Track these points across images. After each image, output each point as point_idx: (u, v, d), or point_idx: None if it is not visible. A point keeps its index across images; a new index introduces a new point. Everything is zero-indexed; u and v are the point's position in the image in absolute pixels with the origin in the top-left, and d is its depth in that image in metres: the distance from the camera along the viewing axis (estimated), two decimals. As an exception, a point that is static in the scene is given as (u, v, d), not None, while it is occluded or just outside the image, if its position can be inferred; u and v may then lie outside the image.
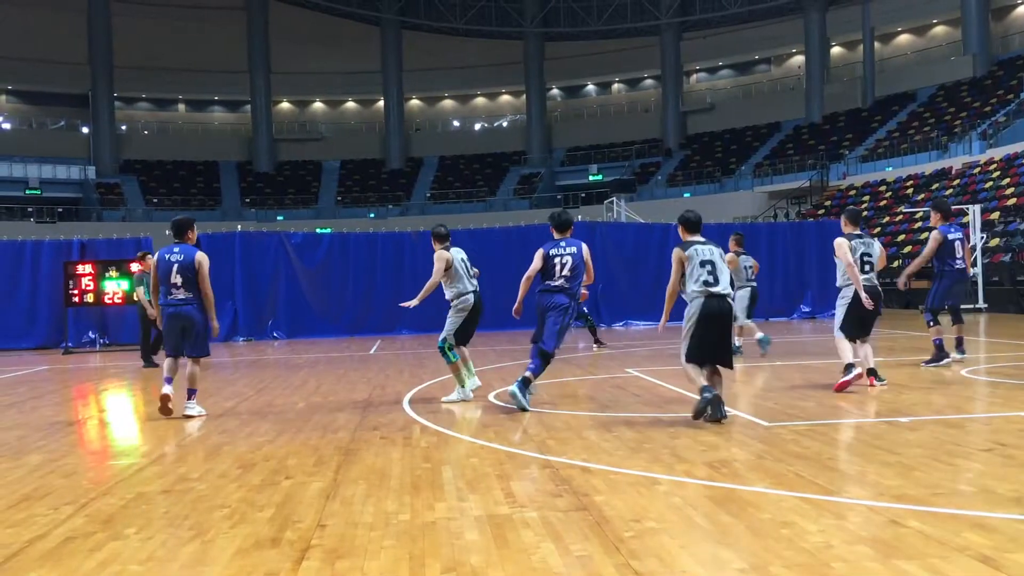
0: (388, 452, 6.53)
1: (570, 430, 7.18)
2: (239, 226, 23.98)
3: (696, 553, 3.95)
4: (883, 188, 37.14)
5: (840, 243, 9.16)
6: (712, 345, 7.39)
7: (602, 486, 5.25)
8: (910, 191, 34.74)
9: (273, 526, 4.62)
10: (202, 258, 8.66)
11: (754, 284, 13.35)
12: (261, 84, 56.17)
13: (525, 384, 8.28)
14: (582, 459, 6.03)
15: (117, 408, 10.32)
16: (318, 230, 29.30)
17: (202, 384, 9.36)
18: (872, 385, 8.84)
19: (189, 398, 8.73)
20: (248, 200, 52.40)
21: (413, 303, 9.60)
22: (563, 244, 8.97)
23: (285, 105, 60.02)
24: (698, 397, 7.20)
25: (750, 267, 13.32)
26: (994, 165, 31.87)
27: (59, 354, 18.29)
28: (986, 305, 22.14)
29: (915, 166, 37.01)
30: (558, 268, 8.84)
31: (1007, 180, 29.71)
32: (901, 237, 30.83)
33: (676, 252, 7.77)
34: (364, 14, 57.34)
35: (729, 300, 7.55)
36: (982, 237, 23.12)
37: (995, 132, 35.22)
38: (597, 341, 15.60)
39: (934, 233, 10.96)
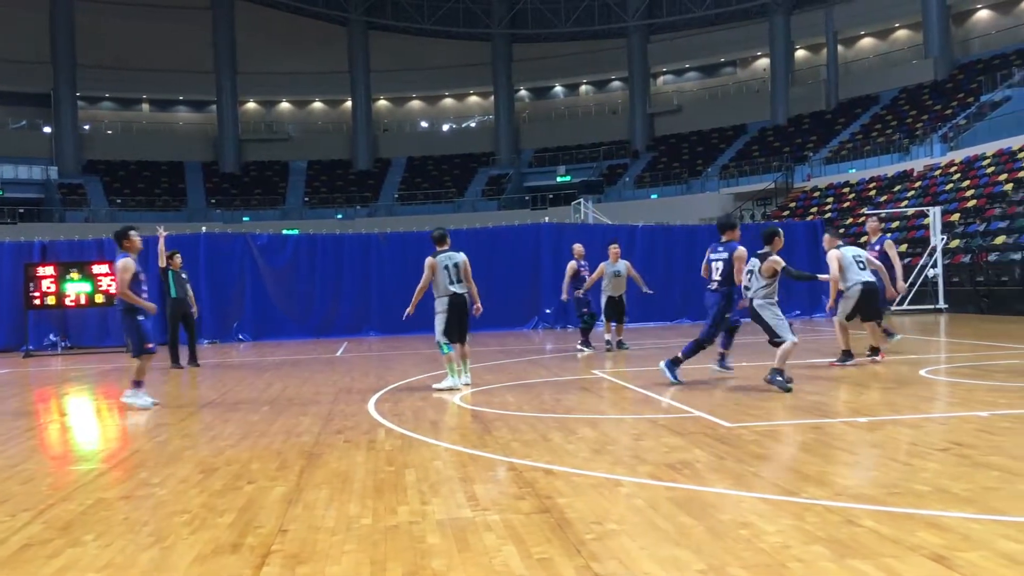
0: (352, 455, 6.52)
1: (535, 432, 7.21)
2: (204, 227, 23.78)
3: (656, 555, 3.99)
4: (847, 190, 37.59)
5: (831, 258, 11.09)
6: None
7: (565, 488, 5.27)
8: (873, 193, 35.19)
9: (234, 532, 4.60)
10: (119, 264, 9.53)
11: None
12: (227, 84, 55.70)
13: (675, 363, 10.08)
14: (546, 461, 6.05)
15: (78, 412, 10.19)
16: (284, 231, 29.08)
17: (166, 387, 9.27)
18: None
19: (130, 387, 9.45)
20: (214, 201, 51.94)
21: (408, 310, 10.67)
22: (719, 248, 10.37)
23: (251, 105, 59.56)
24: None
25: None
26: (955, 167, 32.38)
27: (19, 357, 18.02)
28: (947, 306, 22.50)
29: (878, 168, 37.51)
30: (712, 270, 10.40)
31: (967, 182, 30.20)
32: (864, 238, 31.18)
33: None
34: (331, 14, 57.08)
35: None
36: (942, 239, 23.47)
37: (956, 135, 35.78)
38: (585, 343, 15.46)
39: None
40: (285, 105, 60.74)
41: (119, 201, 50.13)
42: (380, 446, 6.88)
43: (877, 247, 12.25)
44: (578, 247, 15.90)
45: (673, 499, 4.94)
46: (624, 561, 3.91)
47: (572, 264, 15.60)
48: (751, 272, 9.40)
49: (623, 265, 15.53)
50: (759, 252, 9.50)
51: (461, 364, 10.23)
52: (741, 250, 10.01)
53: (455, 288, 10.17)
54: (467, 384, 10.29)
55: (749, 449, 6.20)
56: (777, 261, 9.21)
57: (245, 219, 48.00)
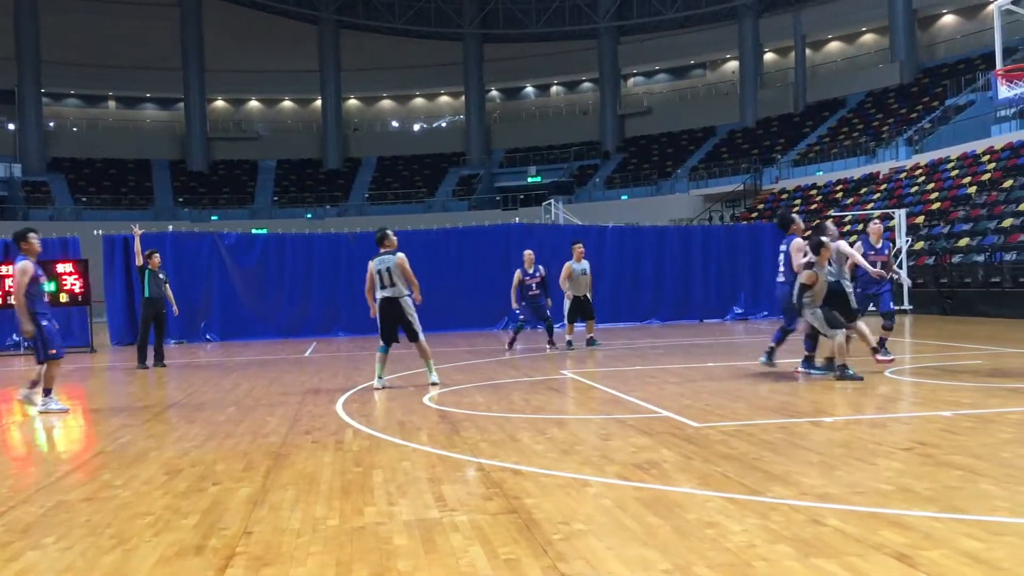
0: (319, 456, 6.47)
1: (503, 433, 7.20)
2: (171, 226, 23.56)
3: (623, 554, 3.99)
4: (814, 192, 37.96)
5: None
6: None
7: (533, 489, 5.27)
8: (840, 195, 35.56)
9: (198, 533, 4.55)
10: (17, 267, 9.21)
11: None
12: (195, 81, 55.17)
13: (770, 354, 11.03)
14: (514, 462, 6.05)
15: (40, 413, 10.02)
16: (253, 230, 28.91)
17: (131, 387, 9.15)
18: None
19: (41, 394, 9.33)
20: (181, 200, 51.41)
21: (372, 313, 10.75)
22: (782, 243, 10.81)
23: (220, 103, 59.05)
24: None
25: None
26: (920, 170, 32.79)
27: (-19, 357, 17.73)
28: (911, 307, 22.78)
29: (844, 171, 37.91)
30: (779, 263, 10.89)
31: (932, 185, 30.60)
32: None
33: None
34: (301, 12, 56.74)
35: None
36: (907, 241, 23.76)
37: (921, 138, 36.25)
38: (550, 342, 15.67)
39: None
40: (254, 103, 60.28)
41: (84, 199, 49.48)
42: (348, 447, 6.84)
43: (885, 251, 12.23)
44: (528, 254, 15.90)
45: (640, 499, 4.95)
46: (591, 561, 3.92)
47: (518, 272, 15.65)
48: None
49: (587, 264, 15.69)
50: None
51: (379, 366, 10.49)
52: (796, 241, 10.52)
53: (383, 292, 10.42)
54: (434, 384, 10.47)
55: (716, 449, 6.24)
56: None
57: (213, 218, 47.59)
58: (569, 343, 15.42)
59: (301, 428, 7.77)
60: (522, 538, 4.28)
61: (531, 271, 15.60)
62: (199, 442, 7.22)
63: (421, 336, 10.62)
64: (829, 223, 10.79)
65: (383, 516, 4.77)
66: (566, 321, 15.75)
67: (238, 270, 20.88)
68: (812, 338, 10.45)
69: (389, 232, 10.76)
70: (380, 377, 10.46)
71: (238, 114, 59.72)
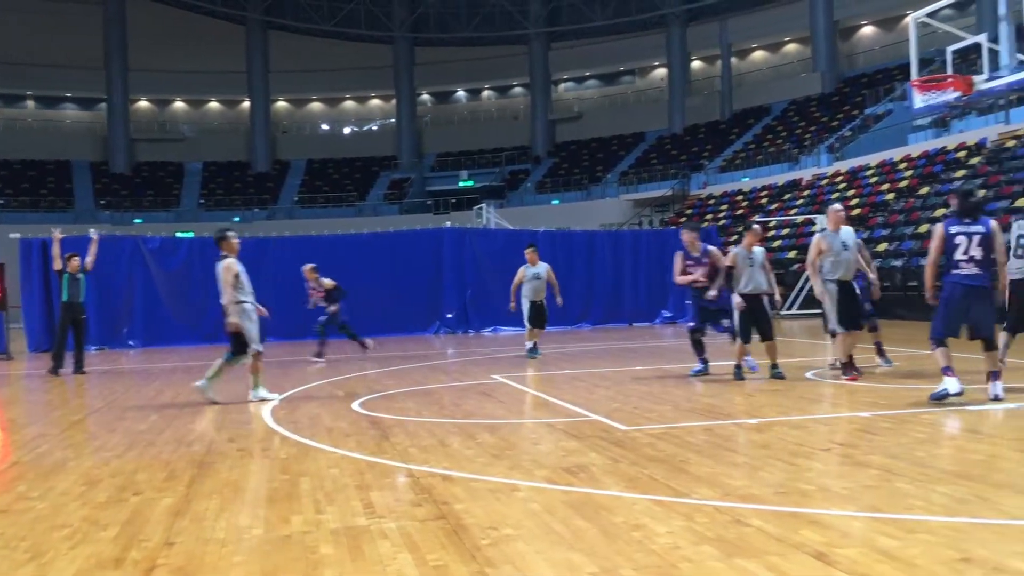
0: (245, 464, 6.37)
1: (433, 438, 7.18)
2: (92, 229, 22.92)
3: (551, 558, 4.02)
4: (740, 198, 38.71)
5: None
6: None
7: (462, 494, 5.27)
8: (764, 201, 36.33)
9: (117, 545, 4.43)
10: None
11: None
12: (117, 81, 53.80)
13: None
14: (444, 467, 6.03)
15: (-48, 423, 9.68)
16: (178, 234, 28.30)
17: (48, 395, 8.89)
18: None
19: None
20: (103, 202, 50.06)
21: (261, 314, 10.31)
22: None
23: (143, 104, 57.68)
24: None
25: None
26: (840, 177, 33.70)
27: None
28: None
29: (769, 177, 38.75)
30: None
31: (852, 191, 31.47)
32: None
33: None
34: (228, 13, 55.79)
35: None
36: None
37: (841, 146, 37.27)
38: (318, 354, 14.39)
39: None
40: (179, 104, 59.05)
41: (1, 201, 47.84)
42: (275, 454, 6.74)
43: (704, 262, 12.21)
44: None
45: (568, 503, 4.98)
46: (518, 565, 3.93)
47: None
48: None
49: (543, 268, 15.03)
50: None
51: (255, 377, 10.01)
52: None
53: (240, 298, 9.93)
54: (263, 400, 9.79)
55: (644, 452, 6.32)
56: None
57: (137, 221, 46.44)
58: (534, 349, 14.54)
59: (226, 436, 7.63)
60: (451, 544, 4.28)
61: (312, 283, 14.81)
62: (120, 451, 7.04)
63: (250, 349, 9.85)
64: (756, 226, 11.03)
65: (310, 524, 4.72)
66: (527, 326, 14.82)
67: (162, 274, 20.40)
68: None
69: (229, 234, 10.04)
70: (255, 388, 9.85)
71: (163, 115, 58.43)
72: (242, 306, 9.87)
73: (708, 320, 10.94)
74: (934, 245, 8.06)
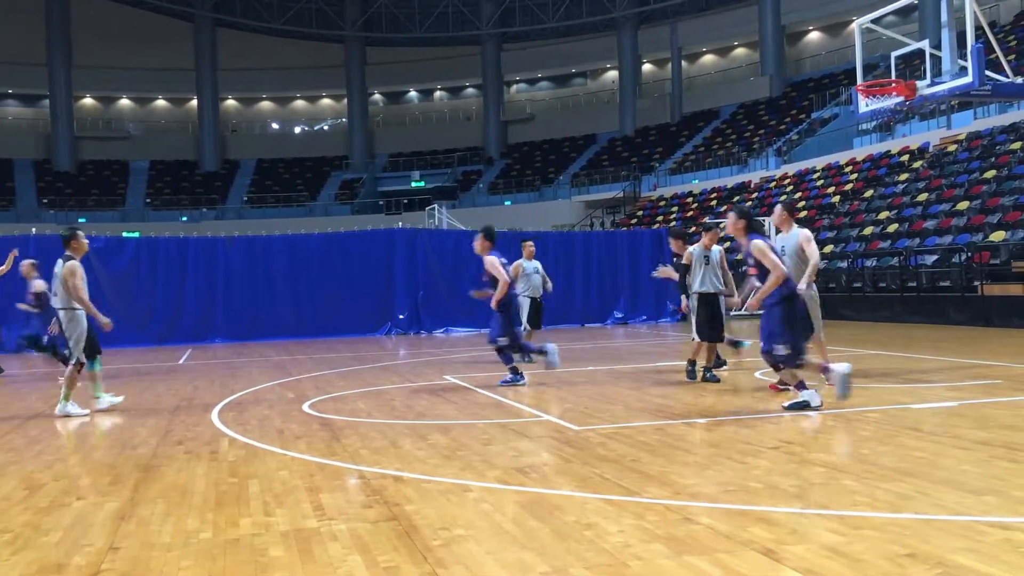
0: (192, 467, 6.27)
1: (385, 439, 7.14)
2: (34, 229, 22.42)
3: (502, 558, 4.02)
4: (690, 199, 39.12)
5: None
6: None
7: (414, 495, 5.25)
8: (714, 203, 36.75)
9: (60, 551, 4.34)
10: None
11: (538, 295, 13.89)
12: (60, 77, 52.69)
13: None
14: (395, 468, 6.00)
15: None
16: (124, 233, 27.80)
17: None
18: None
19: None
20: (46, 201, 49.00)
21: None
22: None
23: (88, 101, 56.58)
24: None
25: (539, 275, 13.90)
26: (788, 180, 34.25)
27: None
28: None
29: (719, 179, 39.24)
30: None
31: (799, 194, 31.98)
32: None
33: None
34: (176, 9, 54.98)
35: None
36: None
37: (789, 149, 37.88)
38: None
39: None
40: (125, 102, 58.02)
41: (-61, 200, 46.62)
42: (223, 457, 6.65)
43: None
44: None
45: (520, 503, 4.99)
46: (470, 566, 3.92)
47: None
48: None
49: (539, 263, 14.27)
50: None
51: (94, 384, 9.44)
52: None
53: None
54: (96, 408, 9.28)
55: (595, 452, 6.35)
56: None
57: (81, 220, 45.46)
58: (541, 349, 14.26)
59: (173, 438, 7.51)
60: (402, 545, 4.26)
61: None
62: (63, 455, 6.89)
63: (72, 360, 9.09)
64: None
65: (259, 527, 4.66)
66: (527, 326, 13.74)
67: (107, 275, 19.99)
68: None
69: (80, 233, 9.39)
70: (65, 400, 9.03)
71: (108, 112, 57.36)
72: (74, 312, 9.15)
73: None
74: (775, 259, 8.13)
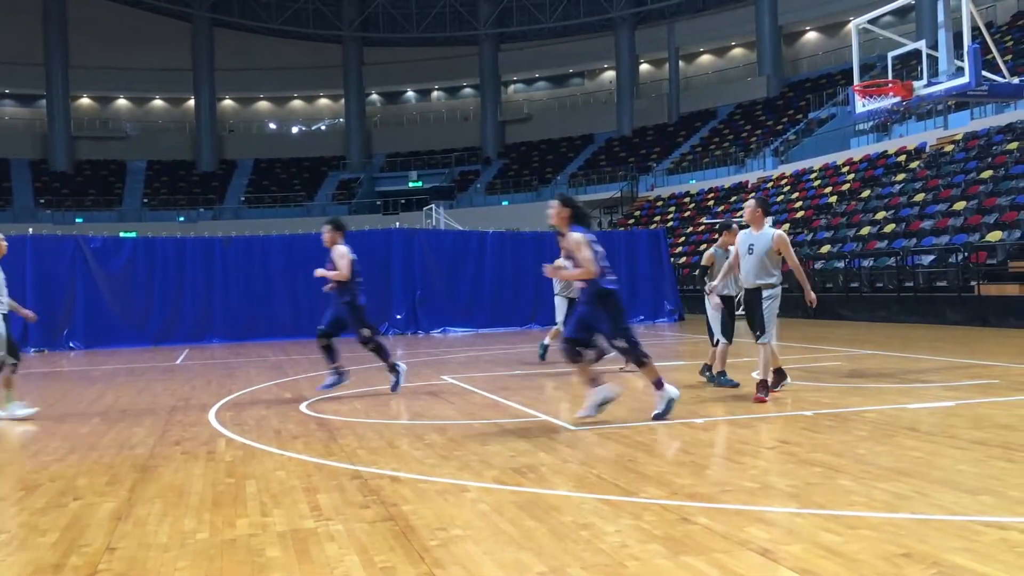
0: (189, 468, 6.27)
1: (382, 439, 7.14)
2: (31, 229, 22.39)
3: (499, 559, 4.02)
4: (687, 200, 39.13)
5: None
6: None
7: (411, 495, 5.25)
8: (711, 203, 36.78)
9: (57, 551, 4.33)
10: None
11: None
12: (58, 77, 52.64)
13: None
14: (392, 469, 6.00)
15: None
16: (122, 234, 27.77)
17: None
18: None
19: None
20: (43, 201, 48.94)
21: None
22: None
23: (85, 101, 56.52)
24: None
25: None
26: (785, 180, 34.26)
27: None
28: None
29: (716, 179, 39.25)
30: None
31: (796, 194, 32.01)
32: (704, 246, 32.55)
33: None
34: (173, 9, 54.94)
35: None
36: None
37: (786, 149, 37.91)
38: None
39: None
40: (122, 102, 57.96)
41: (-65, 199, 46.56)
42: (220, 457, 6.65)
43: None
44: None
45: (517, 503, 4.99)
46: (467, 566, 3.92)
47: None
48: None
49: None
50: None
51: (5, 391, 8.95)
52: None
53: None
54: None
55: (592, 452, 6.35)
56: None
57: (78, 220, 45.49)
58: (546, 348, 13.35)
59: (171, 439, 7.51)
60: (399, 545, 4.26)
61: None
62: (60, 455, 6.88)
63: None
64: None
65: (256, 528, 4.66)
66: (560, 327, 13.04)
67: (105, 275, 19.99)
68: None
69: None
70: (7, 403, 8.85)
71: (105, 112, 57.30)
72: None
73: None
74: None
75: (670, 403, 7.62)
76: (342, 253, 10.21)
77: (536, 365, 13.14)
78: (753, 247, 8.67)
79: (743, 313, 9.47)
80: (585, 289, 7.52)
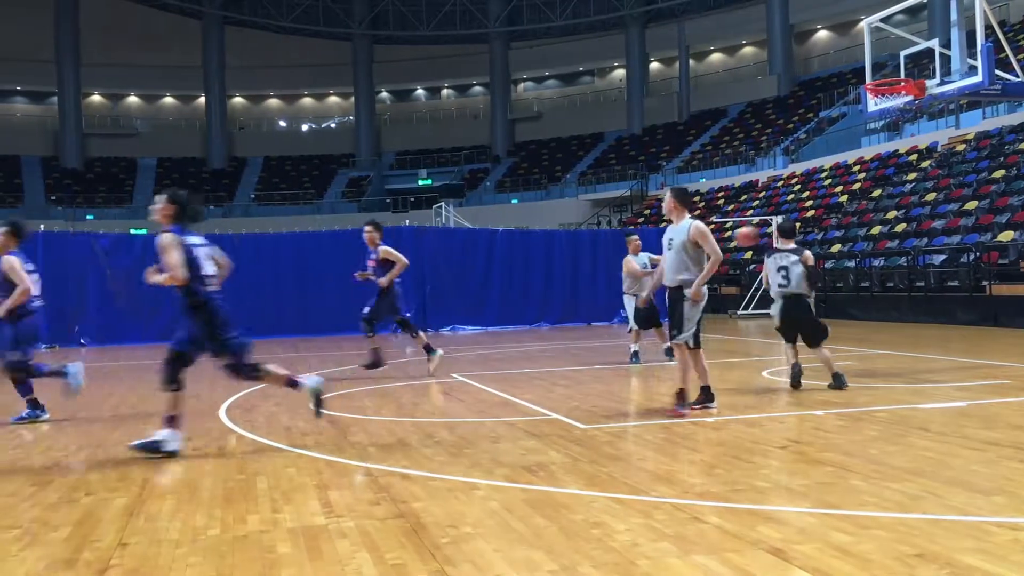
0: (200, 464, 6.29)
1: (392, 437, 7.14)
2: (42, 225, 22.48)
3: (510, 556, 4.01)
4: (697, 199, 39.03)
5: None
6: None
7: (421, 493, 5.25)
8: (721, 202, 36.70)
9: (69, 547, 4.35)
10: None
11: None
12: (69, 75, 52.85)
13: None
14: (403, 466, 6.00)
15: None
16: (132, 231, 27.86)
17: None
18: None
19: None
20: (54, 198, 49.15)
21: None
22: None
23: (96, 98, 56.74)
24: None
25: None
26: (795, 179, 34.16)
27: None
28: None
29: (726, 178, 39.17)
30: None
31: (807, 193, 31.92)
32: (713, 245, 32.49)
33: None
34: (184, 6, 55.10)
35: None
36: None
37: (797, 148, 37.79)
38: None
39: None
40: (133, 99, 58.18)
41: (-53, 196, 46.80)
42: (231, 453, 6.66)
43: None
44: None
45: (528, 501, 4.99)
46: (478, 564, 3.92)
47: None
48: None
49: (646, 257, 13.12)
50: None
51: None
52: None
53: None
54: None
55: (603, 450, 6.34)
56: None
57: (89, 217, 45.68)
58: (635, 354, 12.58)
59: (181, 435, 7.51)
60: (410, 543, 4.26)
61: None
62: (71, 451, 6.91)
63: None
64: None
65: (267, 524, 4.67)
66: (633, 326, 12.74)
67: (114, 272, 20.05)
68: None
69: None
70: None
71: (116, 109, 57.53)
72: None
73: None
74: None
75: (316, 392, 6.92)
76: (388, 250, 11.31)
77: (542, 362, 13.13)
78: (672, 241, 8.02)
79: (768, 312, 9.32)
80: (179, 299, 6.78)
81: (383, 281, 11.51)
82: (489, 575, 3.79)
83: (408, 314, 12.15)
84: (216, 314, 6.89)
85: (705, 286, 7.90)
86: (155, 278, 6.92)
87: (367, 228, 11.89)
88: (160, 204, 6.84)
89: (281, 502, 5.12)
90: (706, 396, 8.02)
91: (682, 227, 7.93)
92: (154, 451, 6.50)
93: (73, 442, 7.34)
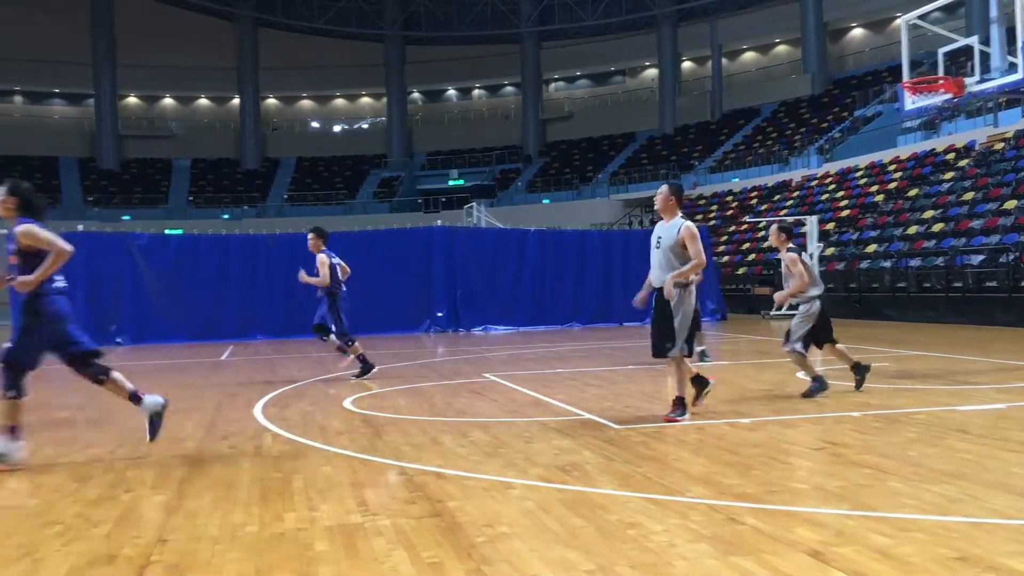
0: (237, 462, 6.35)
1: (426, 436, 7.17)
2: (80, 226, 22.80)
3: (546, 556, 4.02)
4: (730, 198, 38.81)
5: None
6: None
7: (456, 492, 5.26)
8: (754, 202, 36.43)
9: (110, 542, 4.41)
10: None
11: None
12: (106, 77, 53.61)
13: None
14: (437, 465, 6.03)
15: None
16: (167, 231, 28.19)
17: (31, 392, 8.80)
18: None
19: None
20: (91, 199, 49.87)
21: None
22: None
23: (132, 100, 57.49)
24: None
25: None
26: (830, 179, 33.82)
27: None
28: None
29: (759, 178, 38.87)
30: None
31: (841, 193, 31.59)
32: (746, 245, 32.29)
33: None
34: (218, 9, 55.67)
35: None
36: (819, 246, 24.45)
37: (831, 147, 37.41)
38: None
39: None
40: (168, 101, 58.87)
41: (-13, 197, 47.57)
42: (267, 452, 6.72)
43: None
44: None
45: (563, 500, 4.98)
46: (514, 563, 3.93)
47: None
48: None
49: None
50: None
51: None
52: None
53: None
54: None
55: (637, 450, 6.32)
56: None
57: (125, 218, 46.28)
58: (703, 352, 12.48)
59: (218, 433, 7.61)
60: (446, 541, 4.27)
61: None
62: (110, 448, 7.00)
63: None
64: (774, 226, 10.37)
65: (304, 522, 4.71)
66: None
67: (151, 271, 20.32)
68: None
69: None
70: None
71: (151, 111, 58.25)
72: None
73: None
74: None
75: (154, 416, 6.60)
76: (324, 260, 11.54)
77: (575, 362, 13.11)
78: (661, 240, 7.75)
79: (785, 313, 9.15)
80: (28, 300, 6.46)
81: (321, 288, 12.09)
82: (526, 574, 3.80)
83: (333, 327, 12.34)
84: (53, 313, 6.78)
85: (693, 296, 7.72)
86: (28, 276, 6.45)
87: (310, 236, 12.12)
88: (1, 197, 6.51)
89: (317, 500, 5.16)
90: (681, 408, 7.59)
91: (673, 226, 7.69)
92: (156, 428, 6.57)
93: (112, 439, 7.44)
